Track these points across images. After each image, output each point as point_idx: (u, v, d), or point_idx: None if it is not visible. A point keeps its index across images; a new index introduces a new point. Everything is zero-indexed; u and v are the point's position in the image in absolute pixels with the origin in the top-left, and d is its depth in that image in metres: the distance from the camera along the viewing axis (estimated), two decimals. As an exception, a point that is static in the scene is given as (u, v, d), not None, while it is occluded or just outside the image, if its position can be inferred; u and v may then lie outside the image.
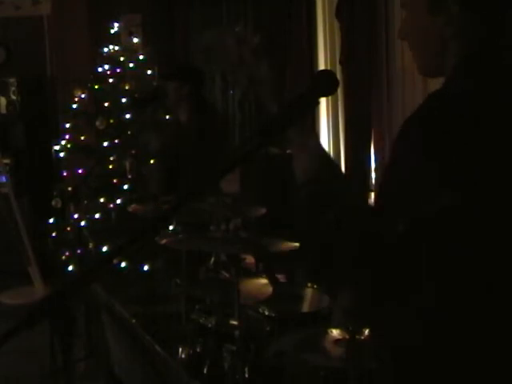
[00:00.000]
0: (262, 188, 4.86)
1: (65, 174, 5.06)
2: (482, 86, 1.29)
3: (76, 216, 4.30)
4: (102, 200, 4.75)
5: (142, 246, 1.24)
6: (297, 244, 2.72)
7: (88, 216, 4.64)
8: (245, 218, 3.23)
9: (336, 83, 1.33)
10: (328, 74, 1.34)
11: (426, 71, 1.49)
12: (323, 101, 4.97)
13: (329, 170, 1.37)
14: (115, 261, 4.04)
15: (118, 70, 5.08)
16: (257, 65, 1.36)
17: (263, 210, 3.09)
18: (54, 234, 4.76)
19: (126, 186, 4.78)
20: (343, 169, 4.87)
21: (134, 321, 2.50)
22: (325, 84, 1.32)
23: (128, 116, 4.86)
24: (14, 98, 5.98)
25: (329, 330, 2.42)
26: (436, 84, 1.42)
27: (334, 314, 2.66)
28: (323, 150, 1.41)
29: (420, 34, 1.43)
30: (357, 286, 1.25)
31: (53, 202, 4.41)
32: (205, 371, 2.77)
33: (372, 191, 4.56)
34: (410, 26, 1.46)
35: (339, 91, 4.54)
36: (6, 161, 5.75)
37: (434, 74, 1.47)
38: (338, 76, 1.29)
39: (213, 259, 3.49)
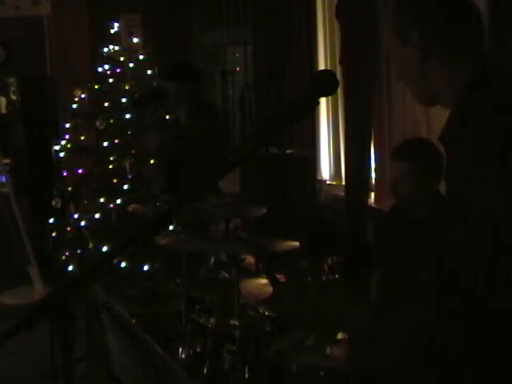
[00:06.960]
0: (262, 188, 4.85)
1: (65, 173, 5.06)
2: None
3: (76, 216, 4.29)
4: (102, 200, 4.75)
5: (141, 246, 1.24)
6: (297, 244, 2.72)
7: (88, 216, 4.64)
8: (245, 218, 3.23)
9: (336, 83, 1.34)
10: (328, 74, 1.34)
11: (420, 101, 1.55)
12: (323, 101, 4.96)
13: None
14: (115, 261, 4.04)
15: (118, 70, 5.08)
16: None
17: (263, 210, 3.09)
18: (54, 234, 4.76)
19: (125, 186, 4.78)
20: (343, 169, 4.86)
21: (134, 321, 2.50)
22: (325, 84, 1.33)
23: (128, 116, 4.86)
24: (14, 97, 5.97)
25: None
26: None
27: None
28: None
29: (402, 67, 1.52)
30: None
31: (53, 202, 4.40)
32: (205, 371, 2.77)
33: (372, 191, 4.55)
34: (395, 62, 1.54)
35: (339, 91, 4.53)
36: (6, 161, 5.75)
37: (431, 104, 1.55)
38: (338, 76, 1.30)
39: (213, 259, 3.49)
